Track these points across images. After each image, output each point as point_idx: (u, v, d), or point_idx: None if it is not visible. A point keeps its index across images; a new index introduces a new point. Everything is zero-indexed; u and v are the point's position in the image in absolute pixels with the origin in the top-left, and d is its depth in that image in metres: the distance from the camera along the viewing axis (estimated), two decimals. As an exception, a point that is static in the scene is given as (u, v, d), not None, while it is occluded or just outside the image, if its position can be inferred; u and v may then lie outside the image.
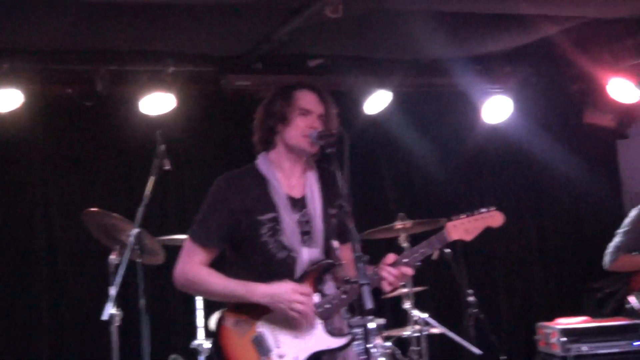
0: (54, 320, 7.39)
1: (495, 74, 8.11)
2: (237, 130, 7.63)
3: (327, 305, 3.98)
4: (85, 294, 7.35)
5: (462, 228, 4.13)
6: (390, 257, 3.98)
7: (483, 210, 4.21)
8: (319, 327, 3.97)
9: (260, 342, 3.94)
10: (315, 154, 4.10)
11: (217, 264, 4.11)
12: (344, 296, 3.97)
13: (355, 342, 4.21)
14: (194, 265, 4.02)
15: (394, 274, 3.92)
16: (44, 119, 7.42)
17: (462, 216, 4.15)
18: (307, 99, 4.07)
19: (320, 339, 3.96)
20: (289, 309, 3.85)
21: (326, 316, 3.99)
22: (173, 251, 6.37)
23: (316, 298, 3.97)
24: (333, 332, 3.99)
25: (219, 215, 4.00)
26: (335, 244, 4.06)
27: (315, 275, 4.00)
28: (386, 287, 3.93)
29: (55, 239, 7.44)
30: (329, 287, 4.05)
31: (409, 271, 3.98)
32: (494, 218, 4.22)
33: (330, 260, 4.04)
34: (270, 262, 3.98)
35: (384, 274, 3.91)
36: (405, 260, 3.98)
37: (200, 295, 4.19)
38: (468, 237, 4.17)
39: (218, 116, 7.93)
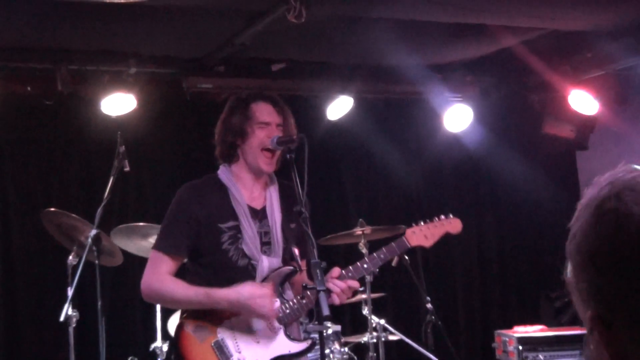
0: (10, 321, 7.28)
1: (456, 83, 8.14)
2: (198, 133, 7.62)
3: (288, 311, 4.01)
4: (43, 295, 7.28)
5: (422, 234, 4.24)
6: (335, 271, 4.01)
7: (442, 217, 4.31)
8: (280, 332, 4.01)
9: (220, 348, 3.95)
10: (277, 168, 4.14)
11: (178, 275, 4.12)
12: (304, 301, 4.00)
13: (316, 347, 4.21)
14: (159, 275, 4.04)
15: (341, 286, 3.95)
16: (3, 117, 7.30)
17: (421, 223, 4.26)
18: (264, 111, 4.11)
19: (281, 343, 4.00)
20: (255, 305, 3.86)
21: (286, 321, 4.02)
22: (131, 255, 6.45)
23: (276, 304, 3.99)
24: (293, 337, 4.02)
25: (182, 223, 4.05)
26: (296, 251, 4.09)
27: (276, 282, 4.02)
28: (335, 299, 3.95)
29: (12, 238, 7.34)
30: (289, 294, 4.08)
31: (355, 284, 4.02)
32: (452, 225, 4.34)
33: (290, 267, 4.07)
34: (231, 269, 4.01)
35: (331, 286, 3.92)
36: (350, 274, 4.02)
37: (166, 304, 4.23)
38: (427, 244, 4.28)
39: (179, 118, 7.90)
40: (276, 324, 4.01)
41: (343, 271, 4.04)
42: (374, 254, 4.17)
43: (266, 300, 3.90)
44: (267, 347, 3.98)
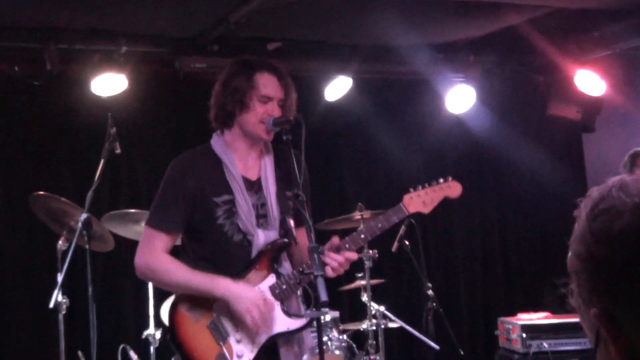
0: (-1, 307, 7.16)
1: (458, 63, 8.03)
2: (190, 114, 7.52)
3: (284, 286, 3.91)
4: (32, 281, 7.16)
5: (420, 200, 4.07)
6: (335, 240, 3.90)
7: (441, 180, 4.16)
8: (277, 308, 3.90)
9: (216, 327, 3.87)
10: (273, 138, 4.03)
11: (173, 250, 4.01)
12: (301, 276, 3.89)
13: (311, 335, 4.15)
14: (155, 252, 3.92)
15: (338, 260, 3.85)
16: (-11, 97, 7.17)
17: (419, 188, 4.09)
18: (267, 84, 3.96)
19: (278, 321, 3.89)
20: (246, 313, 3.77)
21: (283, 297, 3.92)
22: (123, 239, 6.29)
23: (272, 279, 3.90)
24: (291, 313, 3.92)
25: (175, 198, 3.93)
26: (291, 222, 3.99)
27: (271, 255, 3.93)
28: (329, 272, 3.82)
29: (0, 222, 7.17)
30: (285, 267, 3.98)
31: (353, 256, 3.91)
32: (451, 188, 4.16)
33: (285, 240, 3.96)
34: (226, 244, 3.91)
35: (327, 260, 3.82)
36: (347, 245, 3.90)
37: (160, 285, 4.07)
38: (426, 210, 4.10)
39: (172, 99, 7.76)
40: (272, 300, 3.88)
41: (340, 242, 3.90)
42: (371, 223, 4.03)
43: (266, 313, 3.80)
44: (265, 324, 3.84)
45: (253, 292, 3.81)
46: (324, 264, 3.76)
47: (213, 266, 3.87)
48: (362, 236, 3.96)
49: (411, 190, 4.07)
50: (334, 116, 8.05)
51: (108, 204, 7.20)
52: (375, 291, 6.78)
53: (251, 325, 3.78)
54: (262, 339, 3.84)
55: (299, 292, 4.02)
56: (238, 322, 3.84)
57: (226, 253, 3.88)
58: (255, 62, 4.03)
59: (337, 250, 3.86)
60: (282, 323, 3.87)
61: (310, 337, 4.10)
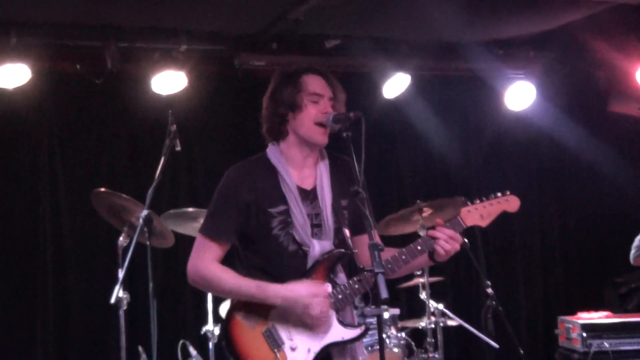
0: (61, 303, 7.27)
1: (518, 59, 7.97)
2: (249, 112, 7.39)
3: (340, 296, 3.87)
4: (93, 277, 7.25)
5: (477, 214, 4.00)
6: (440, 221, 3.90)
7: (498, 194, 4.08)
8: (333, 318, 3.87)
9: (272, 335, 3.85)
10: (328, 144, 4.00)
11: (226, 258, 4.01)
12: (357, 286, 3.86)
13: (369, 332, 4.16)
14: (206, 261, 3.93)
15: (448, 233, 3.83)
16: (52, 96, 7.29)
17: (477, 201, 4.02)
18: (315, 83, 3.95)
19: (333, 330, 3.86)
20: (304, 314, 3.77)
21: (339, 307, 3.88)
22: (182, 235, 6.35)
23: (328, 288, 3.86)
24: (346, 323, 3.89)
25: (229, 208, 3.92)
26: (347, 232, 3.94)
27: (327, 265, 3.90)
28: (440, 251, 3.81)
29: (62, 220, 7.33)
30: (341, 277, 3.95)
31: (459, 237, 3.87)
32: (509, 203, 4.08)
33: (341, 250, 3.93)
34: (281, 255, 3.89)
35: (438, 233, 3.82)
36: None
37: (212, 292, 4.11)
38: (483, 224, 4.03)
39: (231, 97, 7.80)
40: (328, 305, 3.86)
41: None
42: (425, 238, 3.94)
43: (323, 301, 3.79)
44: (320, 334, 3.84)
45: (301, 289, 3.79)
46: (430, 239, 3.81)
47: (268, 276, 3.86)
48: (419, 247, 3.89)
49: (469, 203, 4.02)
50: (392, 114, 8.01)
51: (167, 201, 7.27)
52: (434, 289, 6.78)
53: (314, 319, 3.78)
54: (317, 347, 3.83)
55: (355, 303, 4.02)
56: (293, 330, 3.84)
57: (281, 263, 3.87)
58: (298, 67, 4.03)
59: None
60: (337, 332, 3.86)
61: (362, 349, 4.07)
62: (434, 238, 3.82)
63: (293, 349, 3.81)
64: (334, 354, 3.88)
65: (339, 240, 3.95)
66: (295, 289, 3.78)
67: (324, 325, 3.82)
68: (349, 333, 3.86)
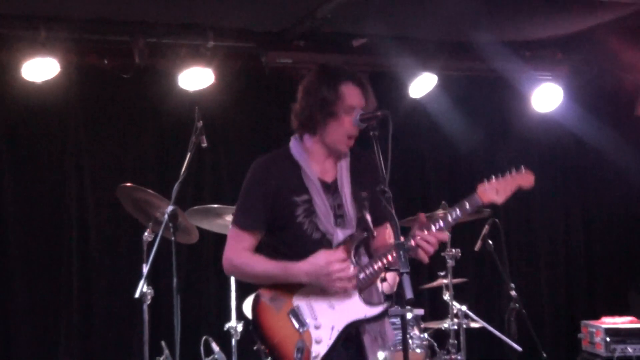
0: (85, 297, 7.30)
1: (545, 61, 7.97)
2: (276, 109, 7.54)
3: (362, 276, 3.94)
4: (118, 271, 7.29)
5: (493, 190, 4.09)
6: (422, 217, 3.93)
7: (513, 171, 4.17)
8: (355, 296, 3.94)
9: (296, 315, 3.94)
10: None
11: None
12: (378, 265, 3.93)
13: (396, 332, 4.24)
14: (239, 251, 4.06)
15: (430, 241, 3.85)
16: (80, 90, 7.32)
17: (492, 178, 4.12)
18: (353, 95, 4.01)
19: (356, 308, 3.93)
20: (329, 282, 3.83)
21: (362, 287, 3.95)
22: (207, 232, 6.36)
23: (352, 269, 3.92)
24: (369, 300, 3.96)
25: (257, 198, 4.03)
26: (369, 217, 4.04)
27: (350, 247, 3.97)
28: (422, 256, 3.86)
29: (88, 214, 7.35)
30: (364, 259, 4.02)
31: (445, 236, 3.94)
32: (524, 178, 4.17)
33: (364, 233, 4.02)
34: (305, 242, 3.98)
35: (420, 242, 3.84)
36: (440, 226, 3.94)
37: (246, 279, 4.16)
38: (499, 199, 4.11)
39: (257, 94, 7.81)
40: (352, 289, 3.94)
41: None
42: (446, 213, 4.03)
43: (343, 265, 3.85)
44: (343, 312, 3.92)
45: (320, 258, 3.84)
46: (414, 247, 3.81)
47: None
48: (437, 225, 3.95)
49: (485, 180, 4.09)
50: (418, 113, 8.01)
51: (192, 197, 7.28)
52: (457, 290, 6.74)
53: (339, 288, 3.83)
54: (341, 325, 3.89)
55: (378, 283, 4.04)
56: (317, 310, 3.90)
57: (305, 250, 3.92)
58: (339, 71, 4.07)
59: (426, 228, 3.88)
60: (360, 310, 3.91)
61: (392, 331, 4.16)
62: (418, 245, 3.84)
63: (317, 328, 3.89)
64: (363, 334, 3.96)
65: (362, 228, 4.02)
66: (314, 261, 3.84)
67: (350, 291, 3.88)
68: (372, 311, 3.92)
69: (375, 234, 4.07)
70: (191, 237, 6.06)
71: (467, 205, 4.03)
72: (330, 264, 3.81)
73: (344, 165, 4.07)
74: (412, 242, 3.83)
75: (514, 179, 4.12)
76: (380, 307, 3.93)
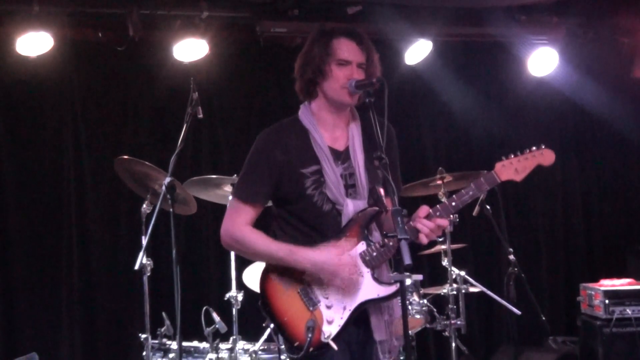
0: (85, 269, 7.32)
1: (541, 25, 7.88)
2: (272, 78, 7.53)
3: (375, 254, 3.89)
4: (117, 243, 7.33)
5: (512, 168, 4.03)
6: (423, 210, 3.88)
7: (533, 148, 4.10)
8: (367, 275, 3.89)
9: (307, 294, 3.89)
10: (358, 103, 4.01)
11: (262, 219, 4.04)
12: (391, 243, 3.87)
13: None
14: (239, 224, 3.98)
15: (429, 226, 3.83)
16: (74, 63, 7.32)
17: (511, 156, 4.04)
18: (345, 49, 3.94)
19: (368, 287, 3.88)
20: (332, 279, 3.82)
21: (374, 264, 3.90)
22: (205, 202, 6.37)
23: (363, 246, 3.89)
24: (382, 280, 3.90)
25: (262, 171, 3.96)
26: (382, 191, 3.95)
27: (361, 223, 3.91)
28: (423, 239, 3.84)
29: (86, 187, 7.36)
30: (375, 236, 3.96)
31: (444, 222, 3.88)
32: (544, 156, 4.09)
33: (375, 208, 3.94)
34: (316, 214, 3.92)
35: (419, 226, 3.82)
36: (438, 213, 3.88)
37: (243, 254, 4.13)
38: (518, 178, 4.06)
39: (253, 64, 7.78)
40: (364, 268, 3.88)
41: (431, 210, 3.88)
42: (462, 191, 3.98)
43: (352, 270, 3.83)
44: (355, 291, 3.86)
45: (328, 253, 3.82)
46: (414, 229, 3.79)
47: (304, 235, 3.91)
48: (454, 204, 3.93)
49: (503, 158, 4.02)
50: (414, 80, 7.98)
51: (190, 168, 7.28)
52: (456, 255, 6.75)
53: (340, 285, 3.82)
54: (352, 305, 3.85)
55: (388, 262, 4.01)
56: (328, 289, 3.86)
57: (316, 223, 3.90)
58: (333, 28, 4.01)
59: (428, 217, 3.84)
60: (373, 290, 3.87)
61: (399, 306, 4.03)
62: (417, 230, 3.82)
63: (329, 307, 3.84)
64: (370, 312, 3.92)
65: (374, 200, 3.96)
66: (323, 254, 3.81)
67: (354, 287, 3.84)
68: (385, 290, 3.87)
69: (387, 208, 3.96)
70: (190, 208, 6.07)
71: (485, 184, 3.97)
72: (341, 267, 3.79)
73: (356, 131, 4.01)
74: (412, 224, 3.81)
75: (534, 157, 4.05)
76: (393, 287, 3.87)
